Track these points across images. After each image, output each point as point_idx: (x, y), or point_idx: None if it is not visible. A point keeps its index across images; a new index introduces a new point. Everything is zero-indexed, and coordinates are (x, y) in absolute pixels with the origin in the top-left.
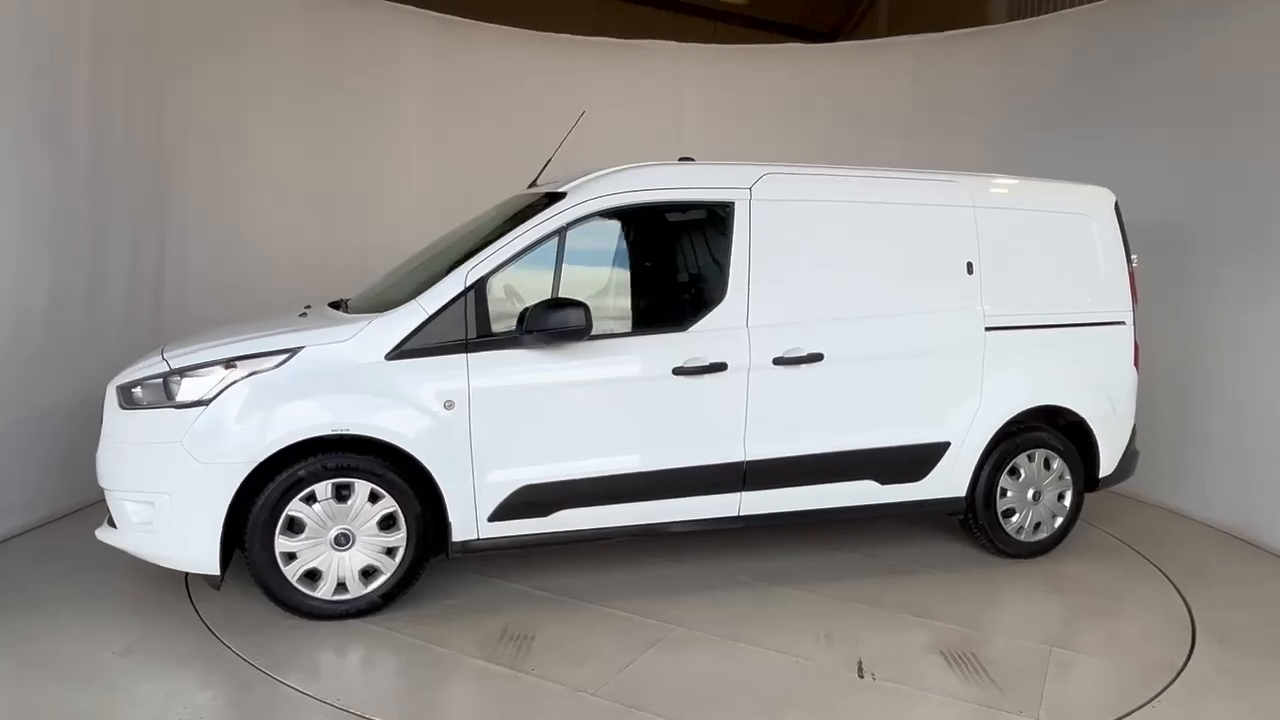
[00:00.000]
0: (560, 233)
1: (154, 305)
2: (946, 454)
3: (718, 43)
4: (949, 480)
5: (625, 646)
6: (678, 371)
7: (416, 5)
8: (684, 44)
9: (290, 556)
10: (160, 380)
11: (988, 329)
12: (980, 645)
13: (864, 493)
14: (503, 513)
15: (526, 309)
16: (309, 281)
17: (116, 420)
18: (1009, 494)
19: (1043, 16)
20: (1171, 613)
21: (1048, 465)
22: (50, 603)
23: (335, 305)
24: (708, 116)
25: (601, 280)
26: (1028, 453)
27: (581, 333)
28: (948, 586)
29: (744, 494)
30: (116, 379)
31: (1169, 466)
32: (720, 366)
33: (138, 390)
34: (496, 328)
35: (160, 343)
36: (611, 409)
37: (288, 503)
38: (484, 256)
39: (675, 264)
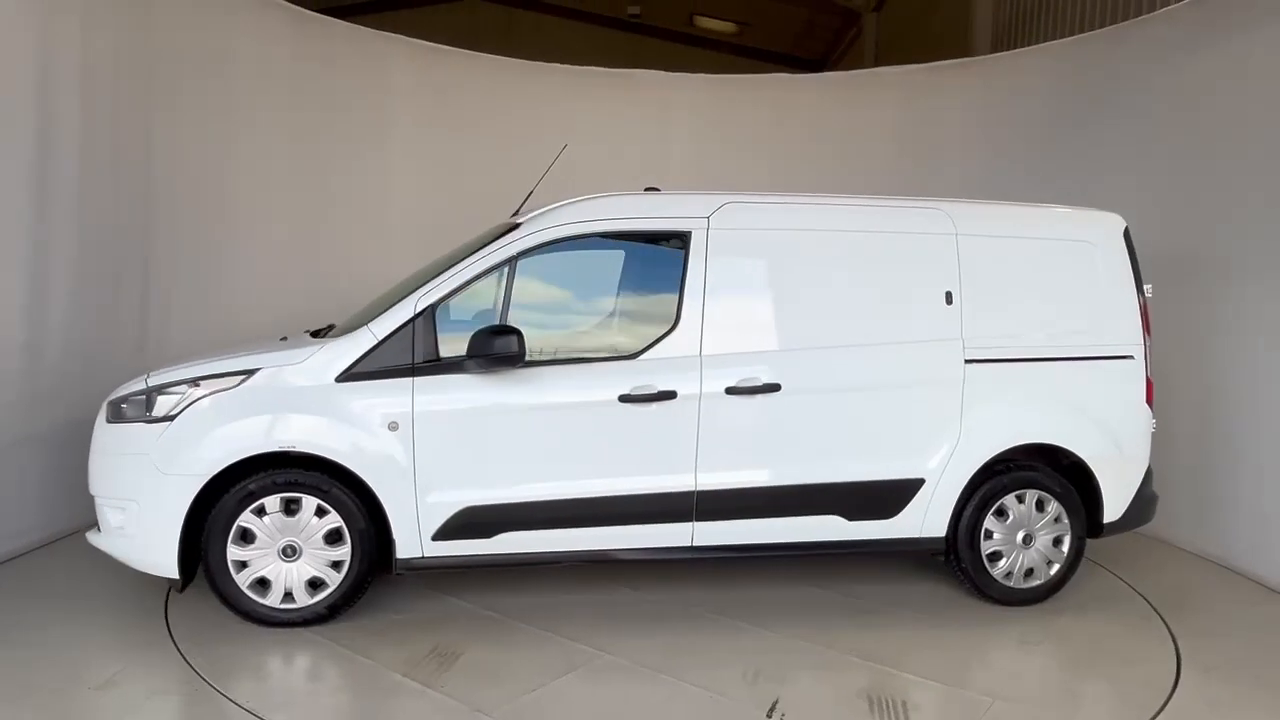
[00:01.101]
0: (510, 262)
1: (139, 333)
2: (920, 491)
3: (706, 71)
4: (925, 519)
5: (544, 670)
6: (624, 399)
7: (406, 34)
8: (672, 73)
9: (242, 565)
10: (143, 397)
11: (968, 361)
12: (917, 692)
13: (829, 528)
14: (446, 533)
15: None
16: (296, 309)
17: (102, 433)
18: (995, 536)
19: (1026, 48)
20: (1158, 670)
21: (1041, 507)
22: (36, 631)
23: (320, 332)
24: (696, 145)
25: (555, 308)
26: (1017, 493)
27: (515, 359)
28: (915, 630)
29: (696, 524)
30: (110, 395)
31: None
32: (669, 395)
33: (124, 406)
34: (445, 353)
35: (145, 367)
36: (555, 434)
37: (240, 514)
38: (434, 284)
39: (630, 293)
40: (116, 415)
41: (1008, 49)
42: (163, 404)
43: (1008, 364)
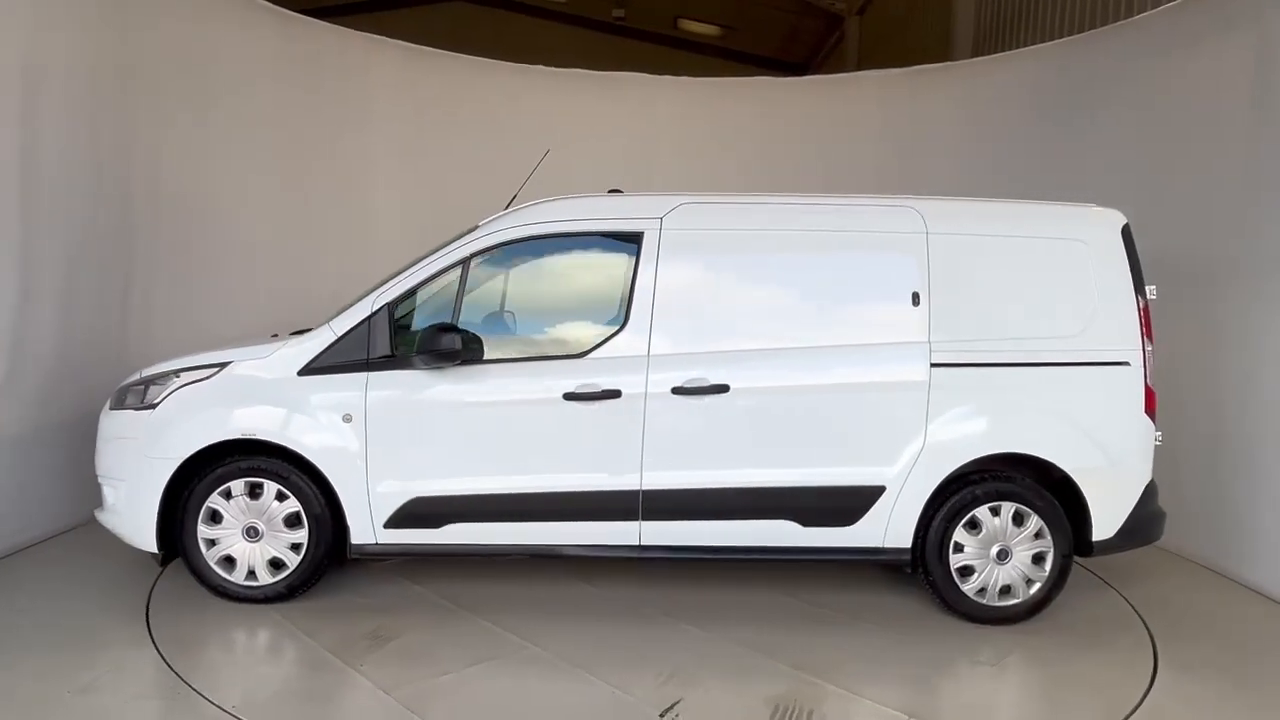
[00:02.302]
0: (464, 262)
1: (120, 336)
2: (881, 499)
3: (692, 74)
4: (887, 528)
5: (464, 657)
6: (569, 397)
7: (390, 36)
8: (656, 76)
9: (211, 543)
10: (142, 386)
11: (934, 365)
12: (830, 704)
13: (783, 533)
14: (397, 521)
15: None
16: (279, 310)
17: (106, 419)
18: (966, 549)
19: (1006, 53)
20: (1118, 698)
21: (1019, 521)
22: (14, 634)
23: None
24: (681, 147)
25: (506, 307)
26: (992, 505)
27: (457, 355)
28: (867, 643)
29: (643, 523)
30: (118, 385)
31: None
32: (614, 393)
33: (127, 395)
34: (398, 350)
35: (123, 369)
36: (501, 430)
37: (209, 495)
38: (392, 284)
39: (582, 293)
40: (119, 403)
41: (987, 54)
42: (151, 393)
43: (981, 369)
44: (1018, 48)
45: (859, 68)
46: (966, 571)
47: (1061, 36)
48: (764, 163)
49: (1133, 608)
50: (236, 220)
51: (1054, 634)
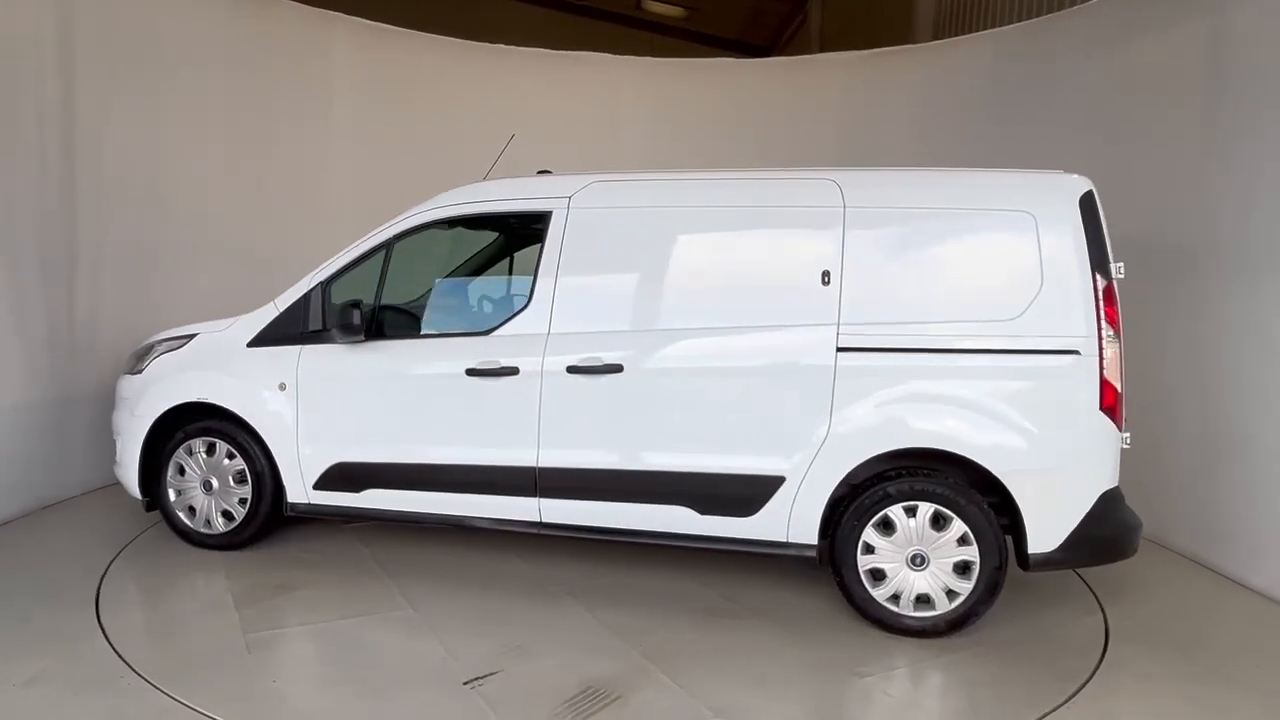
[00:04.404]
0: (387, 245)
1: (68, 319)
2: (781, 490)
3: (655, 55)
4: (789, 521)
5: (339, 612)
6: (470, 372)
7: (348, 13)
8: (619, 56)
9: (178, 493)
10: (143, 353)
11: (841, 349)
12: (644, 694)
13: (679, 519)
14: (324, 483)
15: None
16: (237, 301)
17: (120, 381)
18: (877, 551)
19: (966, 35)
20: None
21: (939, 524)
22: None
23: None
24: (643, 127)
25: (425, 286)
26: (908, 505)
27: (359, 330)
28: (749, 640)
29: (541, 500)
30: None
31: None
32: (512, 370)
33: (134, 361)
34: (326, 325)
35: (70, 355)
36: (411, 402)
37: (176, 451)
38: (328, 264)
39: (494, 272)
40: (128, 368)
41: (946, 37)
42: (144, 360)
43: (895, 354)
44: (977, 31)
45: (822, 50)
46: (878, 575)
47: (1020, 20)
48: (725, 144)
49: (1104, 619)
50: (188, 208)
51: (986, 648)
